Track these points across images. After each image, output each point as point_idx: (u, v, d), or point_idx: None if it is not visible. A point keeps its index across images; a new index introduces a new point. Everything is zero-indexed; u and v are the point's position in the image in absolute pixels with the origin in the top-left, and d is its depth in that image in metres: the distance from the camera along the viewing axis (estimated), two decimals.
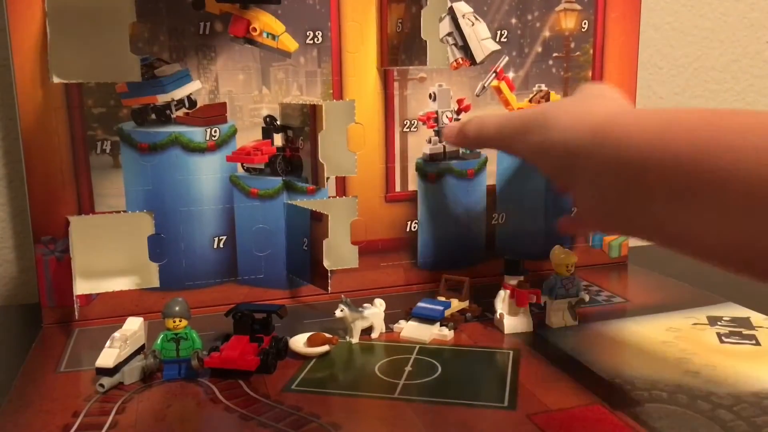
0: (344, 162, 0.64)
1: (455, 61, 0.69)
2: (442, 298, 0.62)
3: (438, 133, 0.70)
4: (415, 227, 0.70)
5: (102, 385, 0.48)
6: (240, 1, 0.62)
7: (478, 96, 0.70)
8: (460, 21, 0.68)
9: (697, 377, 0.50)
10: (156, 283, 0.63)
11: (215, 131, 0.64)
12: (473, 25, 0.68)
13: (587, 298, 0.61)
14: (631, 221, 0.41)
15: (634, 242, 0.77)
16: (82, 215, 0.61)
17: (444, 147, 0.70)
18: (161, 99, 0.62)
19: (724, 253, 0.36)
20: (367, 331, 0.58)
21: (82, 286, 0.61)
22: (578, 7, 0.72)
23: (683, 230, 0.37)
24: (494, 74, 0.70)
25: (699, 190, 0.36)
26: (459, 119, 0.69)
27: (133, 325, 0.51)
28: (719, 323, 0.60)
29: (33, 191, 0.60)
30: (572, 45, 0.73)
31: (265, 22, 0.63)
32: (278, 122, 0.65)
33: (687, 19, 0.92)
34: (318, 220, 0.62)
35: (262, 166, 0.65)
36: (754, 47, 0.96)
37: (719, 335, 0.57)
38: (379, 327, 0.58)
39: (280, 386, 0.49)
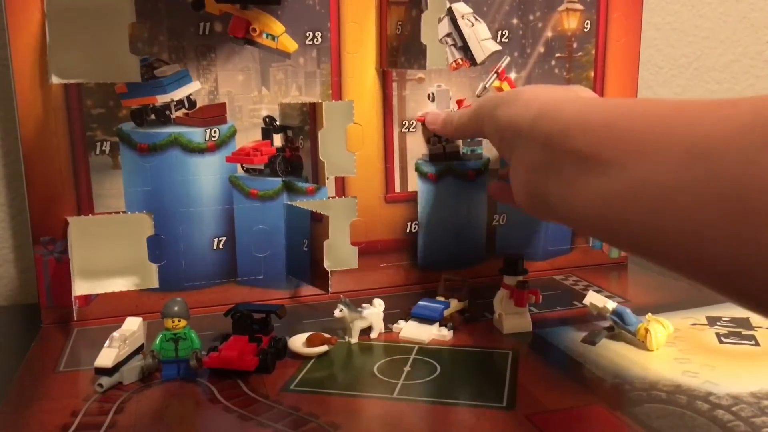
0: (343, 162, 0.64)
1: (454, 61, 0.69)
2: (442, 299, 0.62)
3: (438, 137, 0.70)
4: (415, 228, 0.70)
5: (101, 385, 0.48)
6: (240, 1, 0.62)
7: (479, 97, 0.70)
8: (459, 22, 0.68)
9: (696, 377, 0.50)
10: (155, 284, 0.63)
11: (215, 132, 0.64)
12: (473, 25, 0.68)
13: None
14: (548, 197, 0.43)
15: None
16: (81, 216, 0.61)
17: (444, 147, 0.70)
18: (161, 99, 0.62)
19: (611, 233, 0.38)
20: (366, 331, 0.58)
21: (81, 287, 0.61)
22: (580, 7, 0.72)
23: (586, 203, 0.39)
24: (495, 75, 0.70)
25: (603, 161, 0.37)
26: None
27: (132, 325, 0.51)
28: (718, 323, 0.60)
29: (32, 192, 0.60)
30: (575, 45, 0.73)
31: (264, 22, 0.63)
32: (278, 123, 0.65)
33: (687, 19, 0.92)
34: (318, 220, 0.62)
35: (262, 167, 0.66)
36: (754, 47, 0.96)
37: (718, 335, 0.57)
38: (378, 327, 0.58)
39: (279, 386, 0.49)
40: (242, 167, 0.65)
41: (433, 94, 0.69)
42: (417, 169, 0.70)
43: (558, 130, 0.43)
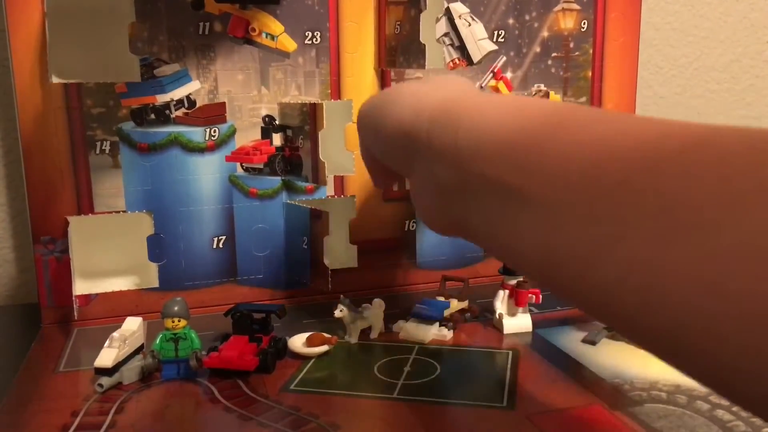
0: (342, 161, 0.64)
1: (452, 61, 0.69)
2: (442, 298, 0.62)
3: None
4: (413, 226, 0.70)
5: (101, 385, 0.48)
6: (239, 1, 0.62)
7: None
8: (457, 21, 0.68)
9: None
10: (155, 283, 0.63)
11: (214, 131, 0.64)
12: (470, 25, 0.68)
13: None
14: (471, 228, 0.36)
15: None
16: (81, 215, 0.61)
17: None
18: (160, 99, 0.62)
19: (542, 267, 0.30)
20: (366, 331, 0.58)
21: (81, 286, 0.61)
22: (577, 7, 0.72)
23: (509, 232, 0.31)
24: (492, 74, 0.70)
25: (523, 186, 0.30)
26: None
27: (132, 325, 0.52)
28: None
29: (32, 191, 0.60)
30: (571, 45, 0.73)
31: (264, 22, 0.63)
32: (277, 122, 0.65)
33: (687, 19, 0.92)
34: (317, 218, 0.62)
35: (261, 166, 0.66)
36: (754, 47, 0.96)
37: None
38: (378, 327, 0.58)
39: (279, 386, 0.49)
40: (242, 166, 0.65)
41: None
42: None
43: (467, 147, 0.34)
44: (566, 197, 0.27)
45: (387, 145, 0.42)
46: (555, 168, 0.28)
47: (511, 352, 0.55)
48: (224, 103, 0.64)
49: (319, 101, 0.63)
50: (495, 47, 0.70)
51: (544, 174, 0.29)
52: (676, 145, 0.25)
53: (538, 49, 0.72)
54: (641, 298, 0.24)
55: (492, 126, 0.33)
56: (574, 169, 0.27)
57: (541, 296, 0.59)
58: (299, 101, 0.65)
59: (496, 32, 0.70)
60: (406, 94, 0.41)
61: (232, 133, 0.64)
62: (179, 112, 0.63)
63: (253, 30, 0.63)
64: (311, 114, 0.64)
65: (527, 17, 0.71)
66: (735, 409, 0.45)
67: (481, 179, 0.33)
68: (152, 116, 0.62)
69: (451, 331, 0.58)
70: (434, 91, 0.40)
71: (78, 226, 0.60)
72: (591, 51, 0.74)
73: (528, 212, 0.29)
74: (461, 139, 0.34)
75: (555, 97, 0.73)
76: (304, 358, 0.54)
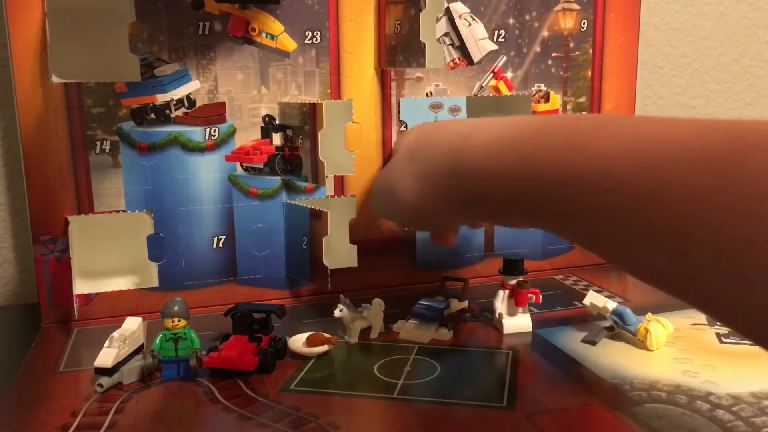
0: (342, 161, 0.64)
1: (452, 61, 0.69)
2: (442, 298, 0.62)
3: None
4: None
5: (101, 385, 0.48)
6: (239, 1, 0.62)
7: (476, 96, 0.70)
8: (457, 21, 0.68)
9: (697, 377, 0.50)
10: (155, 283, 0.63)
11: (214, 131, 0.64)
12: (470, 25, 0.68)
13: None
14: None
15: None
16: (81, 215, 0.61)
17: None
18: (160, 98, 0.62)
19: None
20: (366, 331, 0.58)
21: (81, 286, 0.61)
22: (577, 7, 0.72)
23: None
24: (492, 74, 0.70)
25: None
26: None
27: (132, 324, 0.51)
28: (718, 323, 0.60)
29: (32, 191, 0.60)
30: (571, 45, 0.73)
31: (264, 22, 0.63)
32: (277, 122, 0.65)
33: (687, 19, 0.92)
34: (317, 217, 0.62)
35: (261, 166, 0.66)
36: (754, 47, 0.96)
37: (719, 335, 0.57)
38: (378, 327, 0.58)
39: (279, 386, 0.49)
40: (242, 166, 0.65)
41: (431, 93, 0.69)
42: None
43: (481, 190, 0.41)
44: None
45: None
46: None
47: (511, 352, 0.55)
48: (224, 102, 0.64)
49: (319, 101, 0.63)
50: (495, 47, 0.70)
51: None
52: None
53: (538, 49, 0.72)
54: None
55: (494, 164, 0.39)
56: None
57: (541, 296, 0.60)
58: (299, 101, 0.65)
59: (496, 32, 0.70)
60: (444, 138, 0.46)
61: (232, 132, 0.64)
62: (179, 112, 0.63)
63: (253, 30, 0.63)
64: (311, 114, 0.64)
65: (527, 17, 0.71)
66: (735, 409, 0.45)
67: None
68: (152, 116, 0.62)
69: (451, 331, 0.58)
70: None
71: (78, 226, 0.60)
72: (591, 51, 0.74)
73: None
74: (475, 177, 0.41)
75: (554, 97, 0.73)
76: (304, 358, 0.54)
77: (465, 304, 0.62)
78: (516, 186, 0.38)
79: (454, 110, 0.68)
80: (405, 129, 0.69)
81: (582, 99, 0.74)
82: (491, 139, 0.40)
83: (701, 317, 0.61)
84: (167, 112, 0.62)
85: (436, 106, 0.68)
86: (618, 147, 0.32)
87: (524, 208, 0.38)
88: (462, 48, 0.69)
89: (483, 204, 0.42)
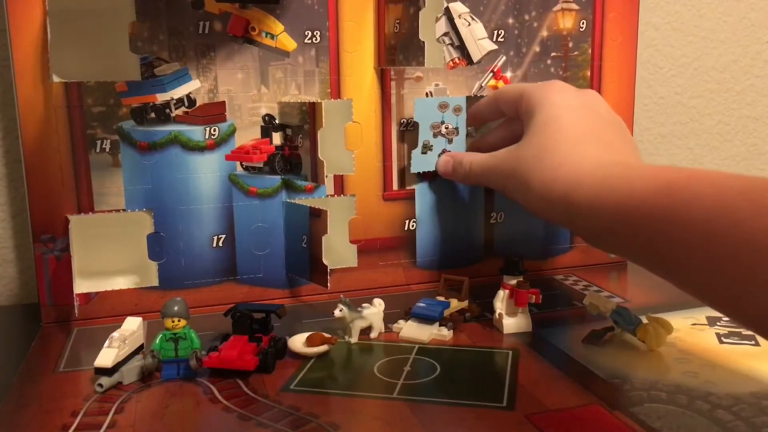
0: (342, 160, 0.64)
1: (451, 60, 0.69)
2: (441, 298, 0.62)
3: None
4: (413, 226, 0.70)
5: (101, 385, 0.48)
6: (239, 0, 0.62)
7: (476, 96, 0.70)
8: (456, 21, 0.68)
9: (696, 377, 0.50)
10: (155, 282, 0.63)
11: (214, 130, 0.64)
12: (469, 25, 0.68)
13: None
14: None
15: None
16: (81, 214, 0.61)
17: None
18: (161, 98, 0.62)
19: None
20: (366, 330, 0.58)
21: (81, 285, 0.61)
22: (576, 7, 0.72)
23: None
24: (491, 74, 0.70)
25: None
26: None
27: (132, 324, 0.51)
28: (718, 323, 0.60)
29: (32, 190, 0.60)
30: (570, 45, 0.73)
31: (263, 21, 0.63)
32: (277, 121, 0.65)
33: (687, 19, 0.92)
34: (317, 217, 0.62)
35: (261, 165, 0.66)
36: (754, 47, 0.96)
37: (718, 335, 0.57)
38: (378, 327, 0.58)
39: (279, 386, 0.49)
40: (241, 165, 0.65)
41: (430, 93, 0.69)
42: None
43: (597, 227, 0.47)
44: None
45: (529, 203, 0.56)
46: None
47: (511, 352, 0.55)
48: (224, 102, 0.63)
49: (319, 100, 0.63)
50: (495, 47, 0.70)
51: None
52: None
53: (537, 49, 0.72)
54: None
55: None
56: None
57: (541, 296, 0.60)
58: (299, 100, 0.65)
59: (495, 32, 0.70)
60: (534, 175, 0.54)
61: (232, 132, 0.64)
62: (179, 111, 0.63)
63: (253, 29, 0.63)
64: (311, 113, 0.64)
65: (526, 17, 0.71)
66: (735, 409, 0.45)
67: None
68: (152, 115, 0.62)
69: (451, 331, 0.58)
70: (560, 161, 0.52)
71: (78, 225, 0.60)
72: (590, 51, 0.74)
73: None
74: (589, 221, 0.48)
75: None
76: (304, 358, 0.54)
77: (465, 304, 0.62)
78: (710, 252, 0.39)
79: (457, 110, 0.68)
80: (409, 129, 0.69)
81: None
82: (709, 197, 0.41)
83: (701, 317, 0.61)
84: (167, 111, 0.62)
85: (443, 106, 0.68)
86: None
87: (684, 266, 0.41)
88: (461, 48, 0.69)
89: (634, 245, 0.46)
